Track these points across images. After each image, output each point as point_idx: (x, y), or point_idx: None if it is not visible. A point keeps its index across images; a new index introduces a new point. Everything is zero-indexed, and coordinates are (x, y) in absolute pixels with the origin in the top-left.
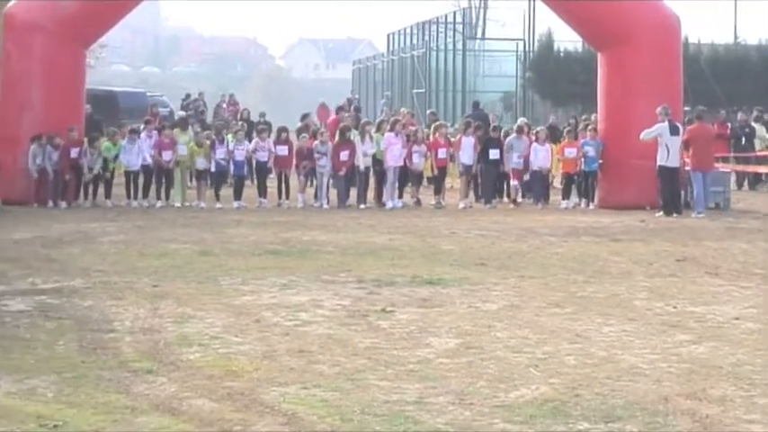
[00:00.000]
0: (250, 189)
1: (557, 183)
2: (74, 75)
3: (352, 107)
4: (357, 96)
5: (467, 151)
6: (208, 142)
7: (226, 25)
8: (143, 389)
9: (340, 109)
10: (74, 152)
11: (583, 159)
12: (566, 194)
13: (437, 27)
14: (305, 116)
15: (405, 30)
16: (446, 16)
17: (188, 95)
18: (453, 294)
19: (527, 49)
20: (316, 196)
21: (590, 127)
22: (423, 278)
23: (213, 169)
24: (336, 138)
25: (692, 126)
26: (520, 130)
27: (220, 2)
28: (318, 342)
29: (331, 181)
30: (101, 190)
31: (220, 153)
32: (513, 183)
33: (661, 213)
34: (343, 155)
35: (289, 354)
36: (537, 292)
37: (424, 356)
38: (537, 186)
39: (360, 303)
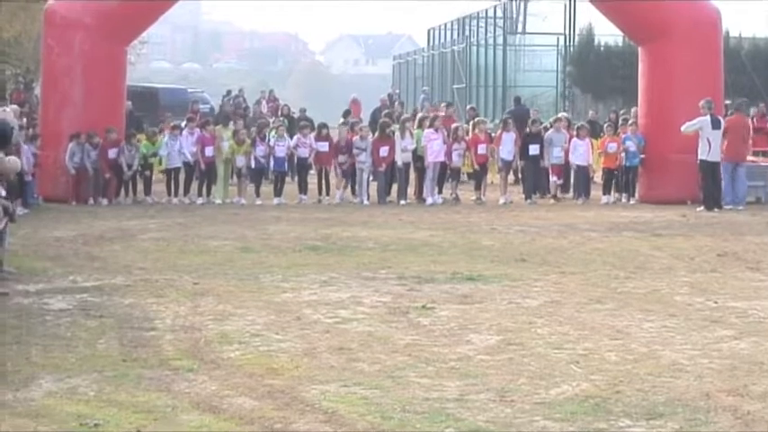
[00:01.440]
0: (290, 185)
1: (597, 178)
2: (114, 71)
3: (396, 103)
4: (398, 91)
5: (506, 146)
6: (248, 141)
7: (267, 21)
8: (184, 387)
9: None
10: (112, 153)
11: (624, 154)
12: (606, 190)
13: (477, 22)
14: (347, 113)
15: (445, 25)
16: (486, 11)
17: (229, 92)
18: (494, 291)
19: (567, 43)
20: (355, 192)
21: (630, 121)
22: (463, 274)
23: (253, 166)
24: (376, 133)
25: (730, 117)
26: (557, 122)
27: None
28: (359, 339)
29: (371, 177)
30: (140, 187)
31: (260, 151)
32: (553, 179)
33: (702, 208)
34: (383, 150)
35: (329, 351)
36: (577, 288)
37: (464, 353)
38: (577, 182)
39: (400, 300)
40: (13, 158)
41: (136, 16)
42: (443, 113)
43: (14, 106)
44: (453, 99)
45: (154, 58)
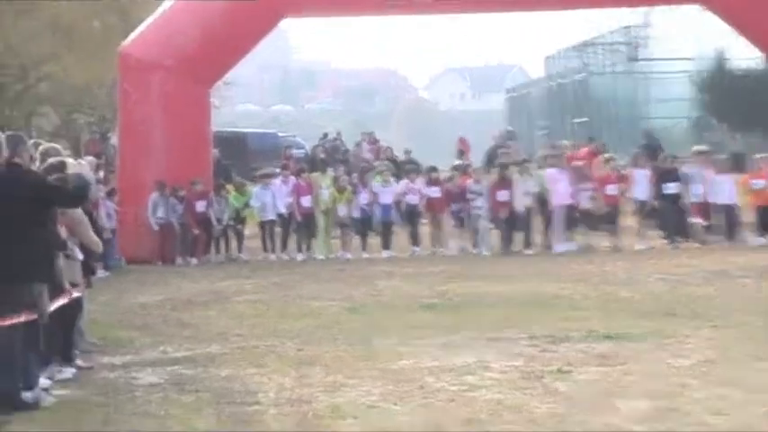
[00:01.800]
0: (400, 236)
1: (746, 217)
2: (198, 116)
3: (512, 141)
4: (512, 129)
5: (640, 185)
6: (350, 188)
7: (362, 57)
8: None
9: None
10: (199, 205)
11: None
12: (759, 230)
13: (596, 48)
14: (461, 153)
15: (561, 52)
16: (604, 36)
17: (325, 135)
18: (637, 349)
19: (698, 69)
20: (474, 242)
21: None
22: (600, 332)
23: (357, 215)
24: (494, 176)
25: None
26: (696, 156)
27: (355, 32)
28: (488, 409)
29: (490, 224)
30: (233, 243)
31: (364, 198)
32: (695, 219)
33: None
34: (501, 195)
35: (456, 423)
36: (734, 344)
37: (612, 423)
38: (724, 223)
39: (532, 363)
40: (97, 240)
41: (219, 56)
42: (588, 149)
43: (90, 158)
44: (574, 134)
45: (239, 101)
